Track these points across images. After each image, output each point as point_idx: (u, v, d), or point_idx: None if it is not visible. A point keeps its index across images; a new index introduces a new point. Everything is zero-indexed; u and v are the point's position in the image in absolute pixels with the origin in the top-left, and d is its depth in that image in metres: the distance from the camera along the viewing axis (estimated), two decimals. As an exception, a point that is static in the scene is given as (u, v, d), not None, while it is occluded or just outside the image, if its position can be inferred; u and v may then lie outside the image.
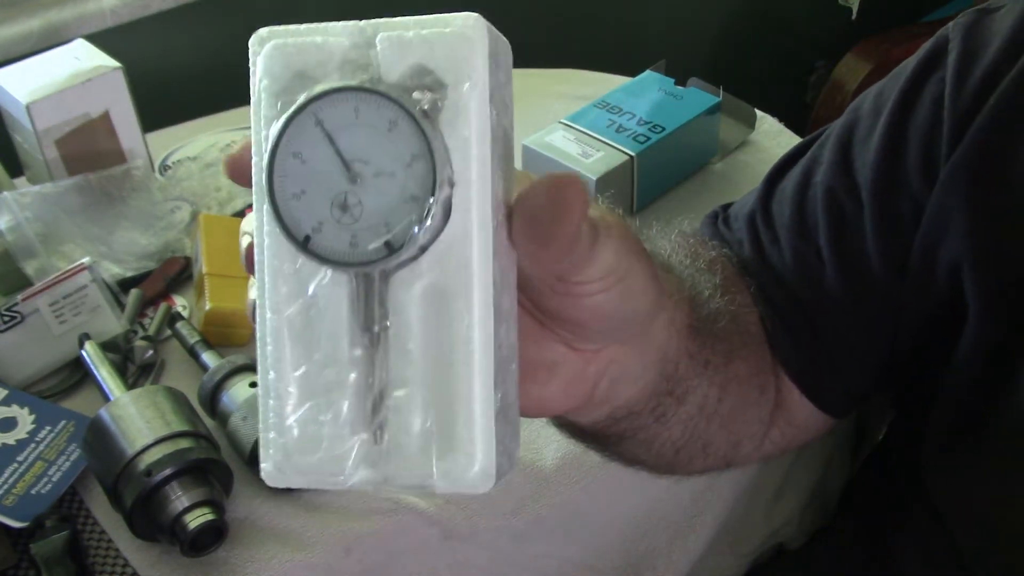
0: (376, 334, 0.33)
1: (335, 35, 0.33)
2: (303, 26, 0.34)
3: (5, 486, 0.71)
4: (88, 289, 0.85)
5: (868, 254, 0.57)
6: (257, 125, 0.34)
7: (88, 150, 0.98)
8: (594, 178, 0.90)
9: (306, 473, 0.34)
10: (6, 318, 0.82)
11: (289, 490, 0.70)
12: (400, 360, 0.33)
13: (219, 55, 1.35)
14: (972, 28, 0.57)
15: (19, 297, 0.83)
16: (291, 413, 0.34)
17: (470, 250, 0.32)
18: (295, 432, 0.34)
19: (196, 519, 0.65)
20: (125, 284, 0.91)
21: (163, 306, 0.88)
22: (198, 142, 1.11)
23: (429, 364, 0.33)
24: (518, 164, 0.96)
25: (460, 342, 0.32)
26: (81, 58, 0.98)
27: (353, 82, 0.32)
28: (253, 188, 0.34)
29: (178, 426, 0.68)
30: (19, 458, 0.74)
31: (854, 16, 1.87)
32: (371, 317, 0.33)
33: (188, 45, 1.36)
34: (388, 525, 0.71)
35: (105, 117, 0.98)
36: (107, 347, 0.82)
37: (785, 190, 0.63)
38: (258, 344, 0.35)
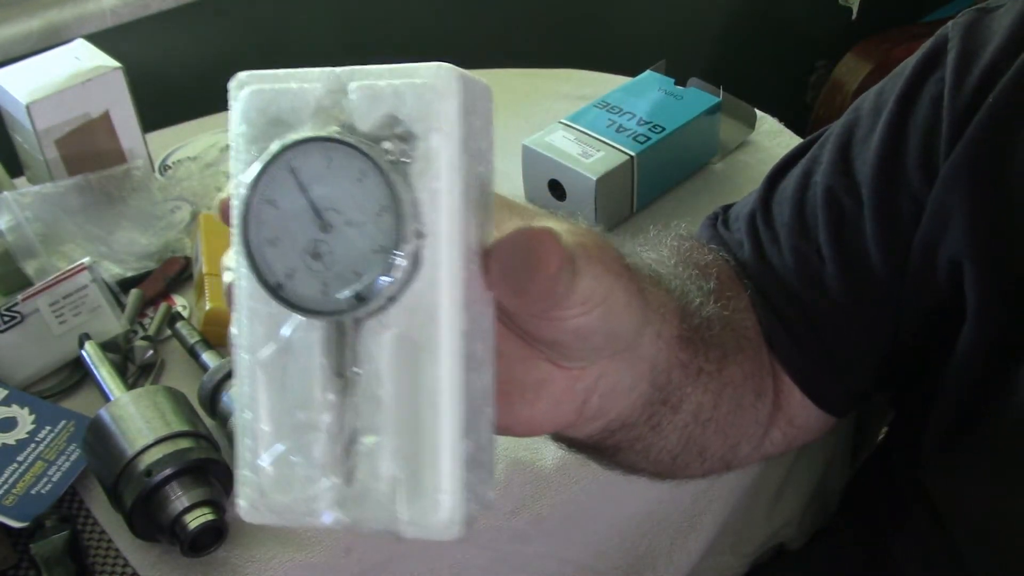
0: (348, 379, 0.33)
1: (311, 81, 0.33)
2: (281, 71, 0.34)
3: (5, 486, 0.71)
4: (88, 289, 0.85)
5: (868, 253, 0.57)
6: (235, 168, 0.34)
7: (88, 150, 0.98)
8: (594, 178, 0.90)
9: (279, 512, 0.34)
10: (6, 318, 0.82)
11: None
12: (370, 407, 0.33)
13: (219, 55, 1.36)
14: (971, 27, 0.57)
15: (19, 297, 0.83)
16: (265, 453, 0.34)
17: (439, 302, 0.32)
18: (269, 472, 0.34)
19: (196, 519, 0.65)
20: (125, 284, 0.91)
21: (163, 306, 0.88)
22: (198, 142, 1.11)
23: (398, 412, 0.32)
24: (518, 164, 0.96)
25: (428, 393, 0.32)
26: (81, 58, 0.98)
27: (324, 133, 0.32)
28: (232, 230, 0.34)
29: (178, 426, 0.68)
30: (19, 458, 0.74)
31: (854, 16, 1.87)
32: (343, 362, 0.33)
33: (188, 45, 1.36)
34: (388, 525, 0.71)
35: (105, 117, 0.98)
36: (107, 347, 0.82)
37: (785, 190, 0.63)
38: (235, 382, 0.35)
